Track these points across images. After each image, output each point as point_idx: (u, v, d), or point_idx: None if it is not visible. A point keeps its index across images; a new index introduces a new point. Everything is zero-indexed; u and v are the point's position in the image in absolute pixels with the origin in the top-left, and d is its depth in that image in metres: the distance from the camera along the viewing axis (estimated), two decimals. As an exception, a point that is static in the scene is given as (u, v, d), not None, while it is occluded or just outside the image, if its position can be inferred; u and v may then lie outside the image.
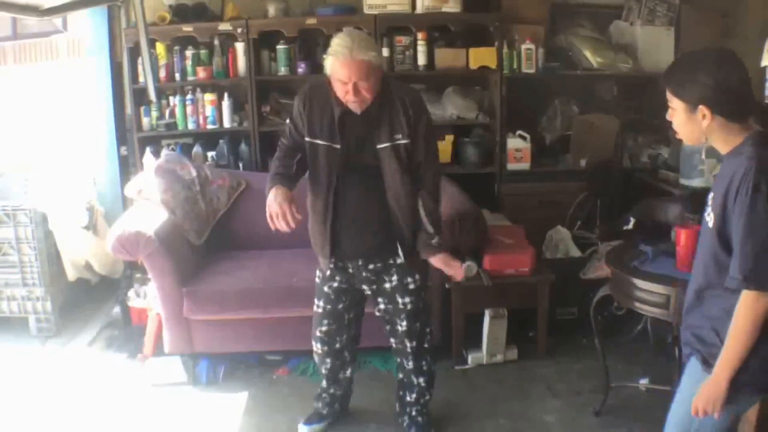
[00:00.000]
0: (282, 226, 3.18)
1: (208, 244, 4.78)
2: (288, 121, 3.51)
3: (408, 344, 3.63)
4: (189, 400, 4.19)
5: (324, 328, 3.63)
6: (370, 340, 3.99)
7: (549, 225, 5.17)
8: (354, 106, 3.22)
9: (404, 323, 3.58)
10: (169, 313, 4.32)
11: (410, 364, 3.69)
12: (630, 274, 3.42)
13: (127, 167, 5.46)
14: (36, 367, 4.56)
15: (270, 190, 3.25)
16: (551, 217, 5.26)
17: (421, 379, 3.74)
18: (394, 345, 3.71)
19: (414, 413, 3.79)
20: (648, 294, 3.34)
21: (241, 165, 5.33)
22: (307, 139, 3.34)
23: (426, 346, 3.68)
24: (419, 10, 5.26)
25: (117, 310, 4.93)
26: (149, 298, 4.64)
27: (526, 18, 5.51)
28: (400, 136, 3.30)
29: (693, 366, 2.46)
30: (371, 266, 3.50)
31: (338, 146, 3.30)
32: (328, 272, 3.54)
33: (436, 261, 3.49)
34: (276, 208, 3.17)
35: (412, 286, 3.55)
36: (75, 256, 5.09)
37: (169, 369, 4.34)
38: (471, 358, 4.49)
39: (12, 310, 4.97)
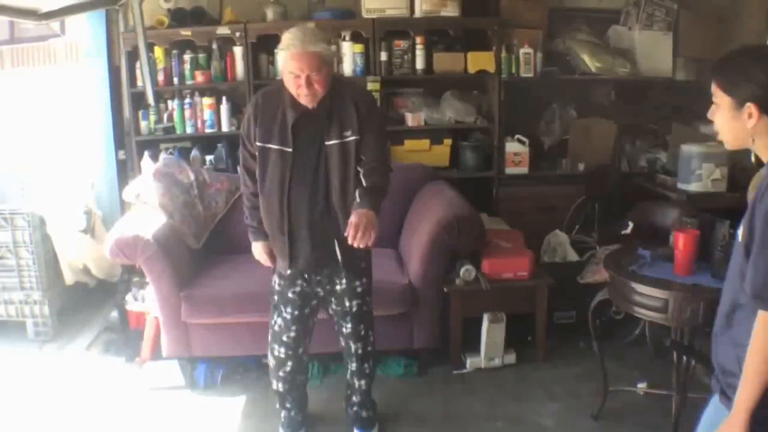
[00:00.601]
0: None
1: (206, 247, 4.78)
2: (242, 135, 3.55)
3: (353, 346, 3.70)
4: (187, 403, 4.21)
5: (293, 334, 3.62)
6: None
7: (547, 229, 5.22)
8: (306, 100, 3.24)
9: (349, 326, 3.65)
10: (167, 316, 4.32)
11: (354, 366, 3.76)
12: (628, 279, 3.44)
13: (125, 171, 5.49)
14: (33, 371, 4.56)
15: (252, 242, 3.68)
16: (549, 221, 5.31)
17: (363, 382, 3.81)
18: (342, 344, 3.76)
19: (357, 409, 3.87)
20: (646, 298, 3.36)
21: (239, 169, 5.29)
22: (257, 143, 3.37)
23: (369, 349, 3.75)
24: (418, 14, 5.28)
25: (115, 313, 4.92)
26: (147, 301, 4.65)
27: (525, 22, 5.55)
28: (349, 132, 3.32)
29: (714, 399, 2.24)
30: (325, 270, 3.54)
31: (290, 150, 3.32)
32: (288, 278, 3.55)
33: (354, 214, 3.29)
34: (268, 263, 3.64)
35: (359, 290, 3.61)
36: (73, 260, 5.10)
37: (167, 372, 4.35)
38: (469, 362, 4.50)
39: (9, 313, 4.98)
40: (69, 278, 5.09)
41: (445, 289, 4.43)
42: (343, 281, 3.54)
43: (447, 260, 4.44)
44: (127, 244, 4.19)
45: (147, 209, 4.66)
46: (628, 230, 4.36)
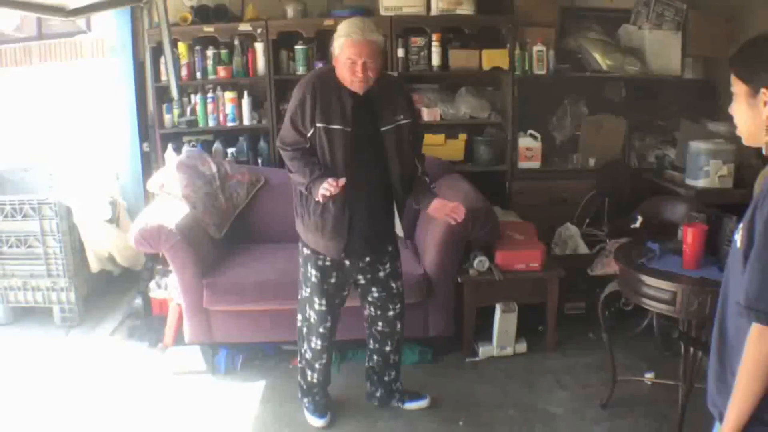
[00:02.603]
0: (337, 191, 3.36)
1: (228, 237, 4.83)
2: (288, 119, 3.51)
3: (398, 325, 3.85)
4: (208, 388, 4.27)
5: (328, 325, 3.74)
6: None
7: (558, 222, 5.27)
8: (357, 86, 3.37)
9: (397, 306, 3.79)
10: (190, 303, 4.39)
11: (393, 345, 3.90)
12: (638, 271, 3.48)
13: (149, 163, 5.56)
14: (60, 356, 4.64)
15: (319, 187, 3.36)
16: (561, 215, 5.35)
17: (397, 357, 3.97)
18: (380, 328, 3.85)
19: (399, 386, 4.02)
20: (655, 290, 3.40)
21: (260, 161, 5.44)
22: (319, 125, 3.42)
23: (403, 325, 3.92)
24: (434, 12, 5.34)
25: (138, 300, 5.01)
26: (170, 289, 4.71)
27: (538, 21, 5.60)
28: (401, 116, 3.49)
29: (715, 429, 2.08)
30: (368, 258, 3.66)
31: (349, 130, 3.41)
32: (325, 269, 3.63)
33: (435, 204, 3.55)
34: (331, 189, 3.31)
35: (399, 270, 3.78)
36: (98, 249, 5.17)
37: (189, 358, 4.42)
38: (482, 351, 4.56)
39: (37, 300, 5.06)
40: (94, 266, 5.17)
41: (459, 280, 4.48)
42: (387, 265, 3.68)
43: (461, 251, 4.48)
44: (151, 234, 4.27)
45: (170, 200, 4.73)
46: (638, 224, 4.41)
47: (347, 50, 3.30)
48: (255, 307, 4.41)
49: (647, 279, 3.43)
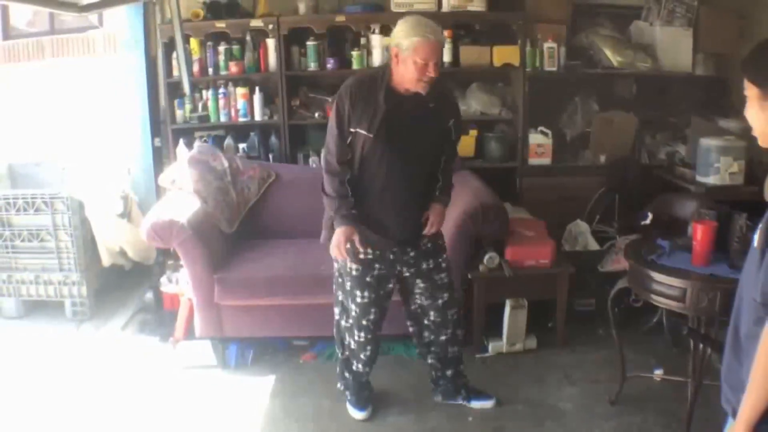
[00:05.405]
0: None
1: (239, 232, 4.86)
2: (334, 124, 3.50)
3: (448, 315, 3.84)
4: (218, 382, 4.29)
5: (372, 317, 3.73)
6: (394, 328, 4.10)
7: (569, 218, 5.26)
8: (423, 87, 3.36)
9: (445, 295, 3.79)
10: (201, 298, 4.41)
11: (448, 335, 3.88)
12: (647, 268, 3.47)
13: (160, 158, 5.57)
14: (71, 350, 4.67)
15: (338, 228, 3.53)
16: (571, 211, 5.33)
17: (455, 349, 3.94)
18: (432, 318, 3.85)
19: (464, 382, 4.03)
20: (664, 287, 3.39)
21: (271, 157, 5.43)
22: (351, 129, 3.45)
23: (459, 316, 3.93)
24: (445, 8, 5.33)
25: (149, 295, 5.04)
26: (181, 283, 4.74)
27: (549, 17, 5.59)
28: (448, 122, 3.57)
29: (729, 421, 2.05)
30: (412, 252, 3.68)
31: (383, 133, 3.41)
32: (367, 262, 3.64)
33: (433, 209, 3.67)
34: (342, 252, 3.55)
35: (443, 264, 3.78)
36: (110, 243, 5.19)
37: (200, 352, 4.44)
38: (491, 347, 4.57)
39: (49, 293, 5.10)
40: (106, 260, 5.20)
41: (469, 276, 4.48)
42: (430, 260, 3.71)
43: (471, 248, 4.49)
44: (162, 228, 4.28)
45: (182, 195, 4.75)
46: (648, 221, 4.37)
47: (421, 51, 3.27)
48: (265, 302, 4.43)
49: (657, 275, 3.42)
